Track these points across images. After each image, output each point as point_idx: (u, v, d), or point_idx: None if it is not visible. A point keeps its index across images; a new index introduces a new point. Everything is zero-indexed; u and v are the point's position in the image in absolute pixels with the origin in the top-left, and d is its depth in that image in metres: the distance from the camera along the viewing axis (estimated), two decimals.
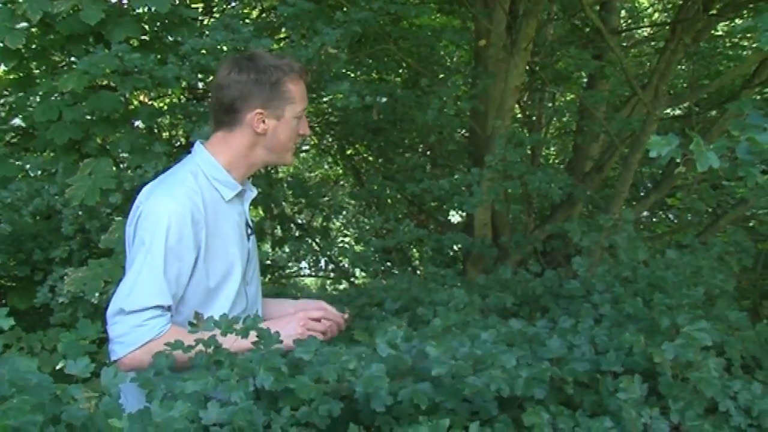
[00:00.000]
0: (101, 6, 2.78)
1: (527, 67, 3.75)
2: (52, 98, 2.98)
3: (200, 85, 4.14)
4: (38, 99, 3.10)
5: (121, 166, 3.09)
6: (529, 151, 4.30)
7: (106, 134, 3.07)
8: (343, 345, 1.33)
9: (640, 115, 3.76)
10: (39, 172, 3.09)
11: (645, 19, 5.53)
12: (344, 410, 1.22)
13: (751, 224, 4.36)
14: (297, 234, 4.93)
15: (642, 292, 1.84)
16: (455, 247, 4.20)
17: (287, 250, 5.01)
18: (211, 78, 3.46)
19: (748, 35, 4.54)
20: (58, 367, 2.61)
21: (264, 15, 4.70)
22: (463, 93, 3.98)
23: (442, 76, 4.41)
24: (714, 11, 3.50)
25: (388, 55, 4.39)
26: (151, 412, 1.03)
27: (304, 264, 6.03)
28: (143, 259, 1.52)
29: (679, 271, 1.95)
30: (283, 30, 4.13)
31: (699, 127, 3.98)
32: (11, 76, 3.35)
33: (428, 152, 5.47)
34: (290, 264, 5.83)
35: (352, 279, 5.17)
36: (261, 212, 4.65)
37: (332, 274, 5.78)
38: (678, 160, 1.31)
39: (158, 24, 3.27)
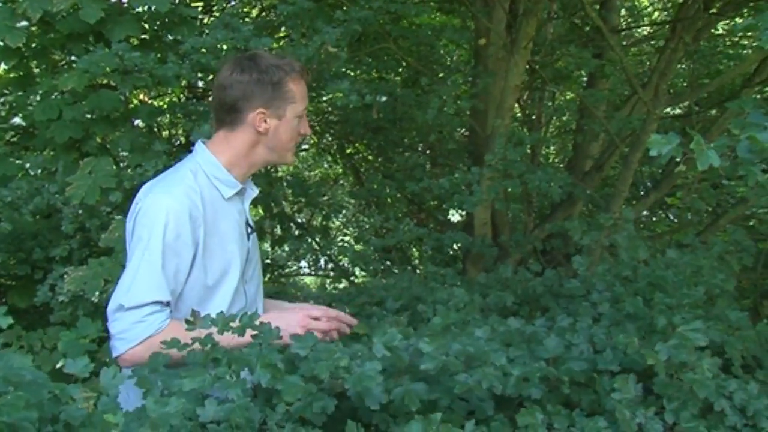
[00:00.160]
0: (101, 5, 2.78)
1: (527, 66, 3.75)
2: (52, 97, 2.98)
3: (200, 83, 4.14)
4: (38, 98, 3.10)
5: (121, 164, 3.09)
6: (529, 150, 4.31)
7: (106, 133, 3.07)
8: (340, 342, 1.33)
9: (641, 114, 3.76)
10: (39, 171, 3.09)
11: (645, 18, 5.53)
12: (343, 408, 1.23)
13: (751, 223, 4.36)
14: (297, 233, 4.93)
15: (642, 291, 1.83)
16: (455, 246, 4.20)
17: (287, 249, 5.01)
18: (211, 77, 3.47)
19: (749, 34, 4.54)
20: (58, 366, 2.61)
21: (264, 14, 4.70)
22: (463, 92, 3.97)
23: (442, 75, 4.41)
24: (714, 10, 3.49)
25: (388, 54, 4.39)
26: (146, 409, 1.03)
27: (303, 263, 6.03)
28: (141, 255, 1.54)
29: (680, 270, 1.95)
30: (283, 29, 4.13)
31: (699, 126, 3.98)
32: (11, 75, 3.35)
33: (428, 151, 5.47)
34: (290, 263, 5.83)
35: (351, 278, 5.17)
36: (261, 211, 4.65)
37: (332, 273, 5.78)
38: (678, 159, 1.31)
39: (158, 23, 3.27)
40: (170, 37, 3.26)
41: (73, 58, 3.11)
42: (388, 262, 4.66)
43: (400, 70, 4.86)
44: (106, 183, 2.63)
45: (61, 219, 2.80)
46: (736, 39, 4.79)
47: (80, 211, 2.79)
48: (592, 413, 1.32)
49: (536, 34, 3.69)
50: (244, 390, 1.16)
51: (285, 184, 4.71)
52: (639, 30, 5.28)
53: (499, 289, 2.44)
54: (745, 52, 4.68)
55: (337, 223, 6.12)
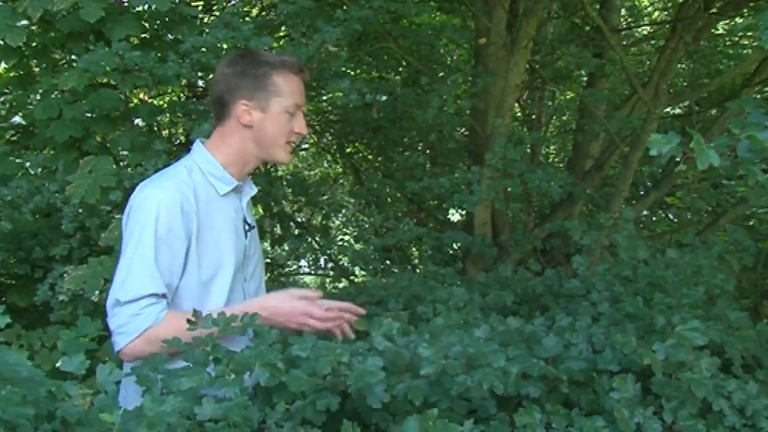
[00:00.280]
0: (101, 4, 2.78)
1: (527, 66, 3.75)
2: (53, 96, 2.98)
3: (200, 83, 4.14)
4: (38, 97, 3.11)
5: (121, 163, 3.09)
6: (529, 150, 4.31)
7: (106, 132, 3.07)
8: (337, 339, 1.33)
9: (641, 114, 3.76)
10: (39, 170, 3.10)
11: (645, 18, 5.52)
12: (342, 407, 1.22)
13: (751, 223, 4.37)
14: (296, 232, 4.93)
15: (642, 291, 1.83)
16: (455, 246, 4.20)
17: (287, 248, 5.01)
18: (211, 76, 3.46)
19: (749, 34, 4.54)
20: (57, 365, 2.61)
21: (264, 13, 4.70)
22: (463, 91, 3.98)
23: (442, 74, 4.41)
24: (714, 10, 3.49)
25: (388, 54, 4.39)
26: (143, 407, 1.03)
27: (303, 262, 6.03)
28: (134, 249, 1.55)
29: (680, 270, 1.95)
30: (283, 28, 4.13)
31: (699, 125, 3.98)
32: (12, 74, 3.35)
33: (428, 150, 5.47)
34: (290, 262, 5.83)
35: (351, 277, 5.17)
36: (260, 210, 4.65)
37: (332, 273, 5.77)
38: (678, 159, 1.31)
39: (158, 22, 3.27)
40: (170, 36, 3.27)
41: (73, 57, 3.11)
42: (387, 262, 4.65)
43: (400, 69, 4.86)
44: (106, 182, 2.63)
45: (61, 218, 2.81)
46: (737, 39, 4.79)
47: (80, 210, 2.79)
48: (591, 413, 1.32)
49: (536, 33, 3.69)
50: (242, 389, 1.16)
51: (285, 183, 4.71)
52: (639, 30, 5.28)
53: (498, 288, 2.44)
54: (745, 51, 4.68)
55: (337, 222, 6.12)
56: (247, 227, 1.76)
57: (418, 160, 4.78)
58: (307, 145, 6.58)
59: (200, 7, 4.33)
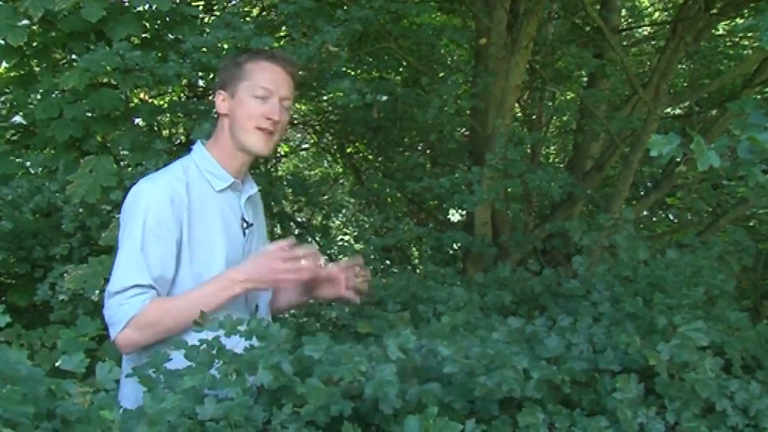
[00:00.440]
0: (102, 3, 2.78)
1: (528, 66, 3.74)
2: (53, 96, 2.98)
3: (201, 82, 4.14)
4: (39, 96, 3.10)
5: (122, 163, 3.09)
6: (529, 150, 4.30)
7: (107, 132, 3.07)
8: (350, 341, 1.33)
9: (641, 114, 3.76)
10: (40, 170, 3.10)
11: (646, 18, 5.52)
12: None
13: (751, 224, 4.37)
14: (297, 232, 4.93)
15: (642, 291, 1.83)
16: (455, 246, 4.20)
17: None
18: (212, 76, 3.46)
19: (749, 34, 4.53)
20: (57, 364, 2.61)
21: (265, 13, 4.69)
22: (463, 91, 3.97)
23: (442, 74, 4.41)
24: (715, 10, 3.49)
25: (389, 54, 4.39)
26: (143, 406, 1.03)
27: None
28: (123, 242, 1.60)
29: (680, 270, 1.95)
30: (284, 28, 4.13)
31: (699, 126, 3.98)
32: (12, 74, 3.35)
33: (428, 151, 5.47)
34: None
35: None
36: None
37: None
38: (678, 160, 1.31)
39: (159, 22, 3.27)
40: (171, 36, 3.26)
41: (74, 56, 3.11)
42: (387, 262, 4.65)
43: (401, 69, 4.86)
44: (107, 182, 2.64)
45: (62, 217, 2.81)
46: (737, 39, 4.79)
47: (81, 210, 2.79)
48: (592, 413, 1.32)
49: (537, 33, 3.69)
50: (244, 388, 1.16)
51: (285, 183, 4.71)
52: (639, 30, 5.27)
53: (497, 288, 2.44)
54: (745, 52, 4.68)
55: (337, 222, 6.11)
56: (245, 225, 1.77)
57: (419, 160, 4.77)
58: (307, 145, 6.58)
59: (201, 7, 4.32)
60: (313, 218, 5.67)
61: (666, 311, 1.53)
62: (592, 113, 3.88)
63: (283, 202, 4.73)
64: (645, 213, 4.61)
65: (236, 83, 1.71)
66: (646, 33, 5.24)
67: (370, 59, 4.52)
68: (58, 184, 2.80)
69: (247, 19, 4.16)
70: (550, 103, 5.24)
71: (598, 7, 3.95)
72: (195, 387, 1.15)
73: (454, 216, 5.32)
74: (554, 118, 5.49)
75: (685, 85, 4.96)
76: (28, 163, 3.10)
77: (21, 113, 3.34)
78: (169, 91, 4.25)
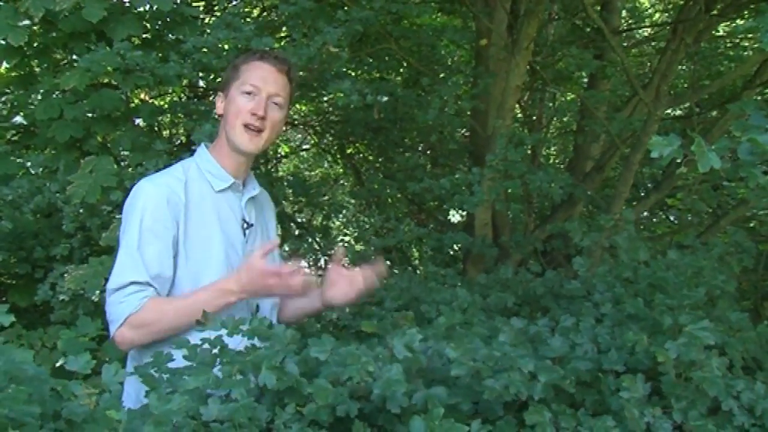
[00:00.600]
0: (103, 4, 2.78)
1: (528, 67, 3.74)
2: (54, 96, 2.98)
3: (201, 83, 4.14)
4: (40, 97, 3.11)
5: (122, 163, 3.09)
6: (529, 151, 4.30)
7: (107, 132, 3.07)
8: (352, 342, 1.33)
9: (641, 115, 3.76)
10: (40, 170, 3.10)
11: (646, 19, 5.52)
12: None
13: (752, 225, 4.37)
14: (297, 233, 4.93)
15: (643, 292, 1.84)
16: (455, 247, 4.20)
17: (287, 248, 5.01)
18: (212, 76, 3.47)
19: (750, 36, 4.54)
20: (57, 365, 2.61)
21: (265, 13, 4.69)
22: (464, 92, 3.97)
23: (443, 75, 4.40)
24: (715, 11, 3.49)
25: (389, 54, 4.39)
26: (149, 406, 1.03)
27: (304, 263, 6.02)
28: (121, 240, 1.63)
29: (680, 271, 1.95)
30: (285, 29, 4.13)
31: (700, 127, 3.98)
32: (13, 74, 3.35)
33: (429, 151, 5.47)
34: (290, 263, 5.81)
35: None
36: None
37: None
38: (679, 161, 1.31)
39: (160, 22, 3.27)
40: (172, 37, 3.26)
41: (74, 57, 3.11)
42: (388, 262, 4.65)
43: (401, 70, 4.86)
44: (107, 182, 2.64)
45: (62, 218, 2.81)
46: (737, 40, 4.79)
47: (81, 210, 2.80)
48: (595, 413, 1.32)
49: (537, 35, 3.69)
50: (248, 389, 1.16)
51: (285, 183, 4.72)
52: (640, 31, 5.28)
53: (499, 289, 2.45)
54: (746, 53, 4.68)
55: (338, 223, 6.11)
56: (245, 225, 1.77)
57: (419, 161, 4.77)
58: (307, 146, 6.59)
59: (202, 8, 4.33)
60: (314, 219, 5.67)
61: (670, 312, 1.53)
62: (592, 114, 3.88)
63: (284, 202, 4.73)
64: (645, 214, 4.61)
65: (231, 84, 1.75)
66: (646, 34, 5.24)
67: (371, 60, 4.52)
68: (58, 185, 2.80)
69: (248, 19, 4.16)
70: (551, 104, 5.24)
71: (599, 8, 3.95)
72: (198, 388, 1.15)
73: (455, 217, 5.32)
74: (555, 119, 5.50)
75: (685, 86, 4.96)
76: (29, 164, 3.10)
77: (21, 113, 3.34)
78: (170, 91, 4.25)
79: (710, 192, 3.92)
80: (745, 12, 3.81)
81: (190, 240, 1.65)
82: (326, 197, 5.40)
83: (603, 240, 2.57)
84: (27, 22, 2.87)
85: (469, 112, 3.96)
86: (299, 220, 5.35)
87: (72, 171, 2.75)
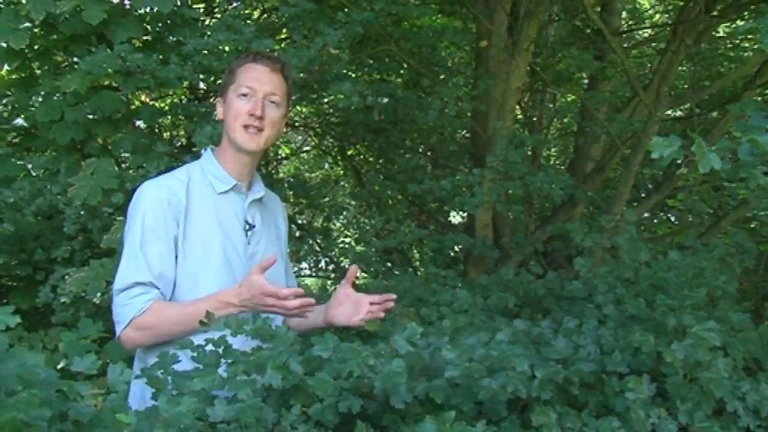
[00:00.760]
0: (103, 6, 2.78)
1: (528, 68, 3.75)
2: (55, 98, 2.99)
3: (202, 85, 4.14)
4: (40, 99, 3.11)
5: (123, 165, 3.09)
6: (530, 152, 4.30)
7: (108, 134, 3.07)
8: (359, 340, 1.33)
9: (642, 116, 3.76)
10: (41, 172, 3.10)
11: (646, 21, 5.53)
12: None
13: (752, 226, 4.36)
14: (298, 234, 4.93)
15: (644, 293, 1.84)
16: (456, 248, 4.20)
17: (287, 250, 5.00)
18: (212, 78, 3.47)
19: (750, 37, 4.54)
20: (59, 367, 2.61)
21: (266, 15, 4.70)
22: (464, 94, 3.97)
23: (443, 76, 4.41)
24: (715, 12, 3.49)
25: (390, 56, 4.39)
26: (158, 408, 1.03)
27: (304, 264, 6.02)
28: (125, 241, 1.67)
29: (681, 272, 1.96)
30: (285, 30, 4.13)
31: (700, 128, 3.98)
32: (14, 76, 3.35)
33: (429, 153, 5.47)
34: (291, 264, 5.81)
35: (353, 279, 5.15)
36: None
37: (333, 275, 5.77)
38: (679, 162, 1.31)
39: (160, 24, 3.28)
40: (172, 39, 3.27)
41: (75, 59, 3.11)
42: (389, 264, 4.65)
43: (402, 71, 4.86)
44: (108, 184, 2.64)
45: (63, 220, 2.81)
46: (737, 41, 4.79)
47: (82, 212, 2.80)
48: (599, 414, 1.32)
49: (537, 36, 3.69)
50: (254, 390, 1.16)
51: (286, 185, 4.72)
52: (640, 32, 5.28)
53: (500, 291, 2.45)
54: (746, 54, 4.68)
55: (338, 224, 6.11)
56: (247, 227, 1.78)
57: (419, 163, 4.77)
58: (308, 148, 6.59)
59: (202, 10, 4.33)
60: (314, 220, 5.67)
61: (670, 312, 1.53)
62: (592, 115, 3.88)
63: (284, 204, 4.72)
64: (646, 215, 4.61)
65: (228, 88, 1.78)
66: (646, 35, 5.24)
67: (371, 61, 4.52)
68: (59, 187, 2.80)
69: (248, 21, 4.16)
70: (551, 105, 5.24)
71: (599, 9, 3.96)
72: (204, 389, 1.15)
73: (455, 218, 5.33)
74: (555, 120, 5.50)
75: (685, 87, 4.96)
76: (30, 166, 3.10)
77: (22, 116, 3.35)
78: (170, 93, 4.25)
79: (711, 193, 3.92)
80: (745, 13, 3.81)
81: (188, 240, 1.68)
82: (327, 199, 5.40)
83: (604, 241, 2.57)
84: (28, 24, 2.88)
85: (469, 114, 3.96)
86: (300, 221, 5.35)
87: (73, 173, 2.75)
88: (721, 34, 4.78)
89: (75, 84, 2.73)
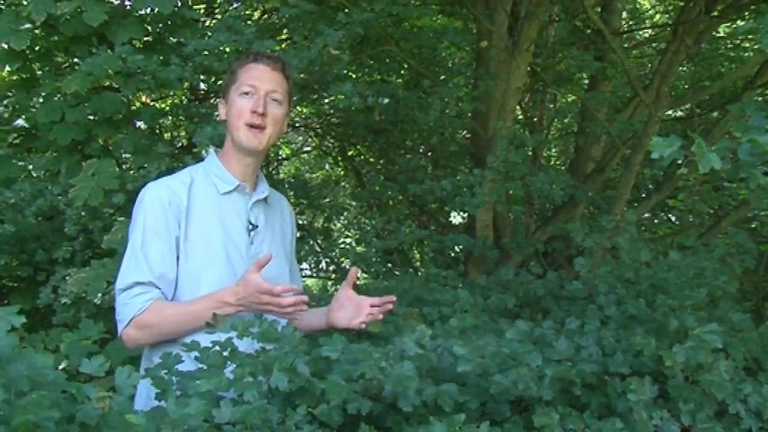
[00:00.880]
0: (104, 7, 2.79)
1: (529, 69, 3.75)
2: (55, 99, 2.99)
3: (202, 85, 4.14)
4: (41, 100, 3.11)
5: (124, 166, 3.09)
6: (530, 153, 4.30)
7: (109, 135, 3.07)
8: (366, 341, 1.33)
9: (642, 117, 3.76)
10: (42, 173, 3.10)
11: (646, 21, 5.53)
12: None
13: (753, 226, 4.36)
14: (298, 235, 4.93)
15: (644, 293, 1.84)
16: (457, 248, 4.20)
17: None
18: (213, 79, 3.47)
19: (750, 37, 4.54)
20: (60, 368, 2.62)
21: (266, 16, 4.70)
22: (464, 94, 3.98)
23: (443, 77, 4.41)
24: (716, 13, 3.50)
25: (390, 57, 4.39)
26: (165, 409, 1.03)
27: (305, 265, 6.02)
28: (128, 241, 1.69)
29: (682, 272, 1.96)
30: (285, 31, 4.14)
31: (701, 128, 3.98)
32: (15, 77, 3.36)
33: (430, 153, 5.47)
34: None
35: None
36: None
37: (333, 275, 5.77)
38: (680, 162, 1.31)
39: (161, 25, 3.28)
40: (173, 40, 3.27)
41: (76, 60, 3.11)
42: (389, 264, 4.65)
43: (402, 72, 4.86)
44: (109, 185, 2.65)
45: (64, 221, 2.81)
46: (738, 41, 4.79)
47: (83, 213, 2.80)
48: (601, 415, 1.32)
49: (538, 36, 3.69)
50: (260, 391, 1.16)
51: (287, 185, 4.72)
52: (640, 32, 5.28)
53: (500, 291, 2.45)
54: (746, 54, 4.68)
55: (339, 225, 6.11)
56: (250, 227, 1.78)
57: (420, 163, 4.77)
58: (308, 148, 6.59)
59: (202, 11, 4.33)
60: (315, 221, 5.67)
61: (670, 313, 1.53)
62: (593, 116, 3.88)
63: None
64: (647, 215, 4.61)
65: (230, 88, 1.79)
66: (647, 35, 5.24)
67: (372, 62, 4.52)
68: (60, 188, 2.81)
69: (249, 22, 4.17)
70: (552, 106, 5.24)
71: (599, 9, 3.96)
72: (211, 390, 1.15)
73: (456, 218, 5.33)
74: (555, 120, 5.50)
75: (686, 87, 4.96)
76: (31, 167, 3.11)
77: (23, 116, 3.35)
78: (171, 94, 4.26)
79: (711, 193, 3.92)
80: (746, 13, 3.81)
81: (190, 240, 1.69)
82: (327, 199, 5.40)
83: (604, 241, 2.57)
84: (29, 25, 2.88)
85: (470, 114, 3.96)
86: (300, 222, 5.36)
87: (74, 174, 2.75)
88: (722, 34, 4.78)
89: (76, 85, 2.74)
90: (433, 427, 1.11)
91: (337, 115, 5.22)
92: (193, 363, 1.40)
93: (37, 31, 3.04)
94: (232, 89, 1.78)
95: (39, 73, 3.23)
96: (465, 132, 5.01)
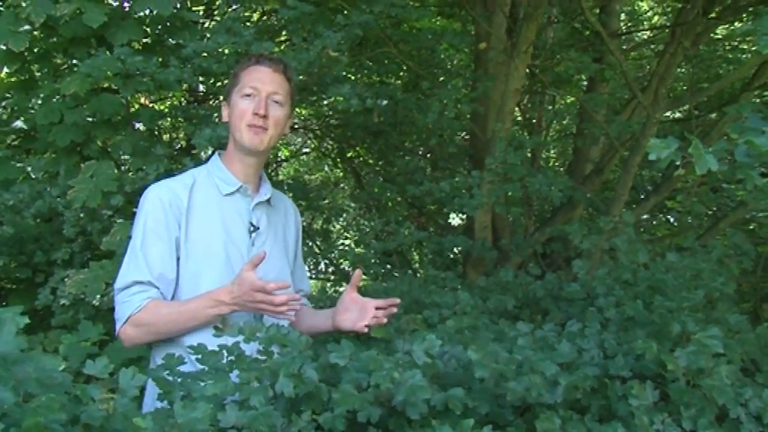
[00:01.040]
0: (103, 9, 2.79)
1: (527, 70, 3.76)
2: (54, 100, 2.99)
3: (201, 87, 4.15)
4: (40, 101, 3.11)
5: (123, 168, 3.09)
6: (529, 154, 4.31)
7: (108, 136, 3.07)
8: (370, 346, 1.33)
9: (640, 118, 3.77)
10: (41, 174, 3.10)
11: (645, 23, 5.54)
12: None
13: (750, 227, 4.37)
14: None
15: (642, 294, 1.84)
16: (455, 250, 4.20)
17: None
18: (212, 81, 3.48)
19: (748, 38, 4.55)
20: (60, 369, 2.61)
21: (265, 18, 4.70)
22: (463, 96, 3.98)
23: (442, 79, 4.42)
24: (713, 15, 3.50)
25: (389, 58, 4.40)
26: (172, 412, 1.03)
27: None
28: (130, 241, 1.71)
29: (680, 273, 1.96)
30: (284, 33, 4.14)
31: (698, 130, 3.99)
32: (14, 79, 3.35)
33: (428, 155, 5.47)
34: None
35: None
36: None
37: (333, 277, 5.77)
38: (678, 163, 1.31)
39: (160, 27, 3.28)
40: (172, 41, 3.27)
41: (75, 61, 3.11)
42: (388, 266, 4.65)
43: (401, 73, 4.87)
44: (108, 186, 2.64)
45: (63, 222, 2.81)
46: (735, 43, 4.80)
47: (81, 215, 2.80)
48: (602, 419, 1.32)
49: (536, 38, 3.70)
50: (266, 396, 1.16)
51: (286, 187, 4.72)
52: (639, 34, 5.29)
53: (499, 292, 2.45)
54: (744, 56, 4.69)
55: (338, 226, 6.12)
56: (252, 229, 1.79)
57: (419, 165, 4.77)
58: (308, 150, 6.59)
59: (201, 12, 4.34)
60: (314, 222, 5.67)
61: (667, 314, 1.53)
62: (591, 117, 3.89)
63: None
64: (645, 216, 4.62)
65: (232, 90, 1.81)
66: (645, 37, 5.25)
67: (371, 64, 4.53)
68: (59, 189, 2.80)
69: (248, 24, 4.17)
70: (550, 107, 5.25)
71: (598, 11, 3.97)
72: (216, 394, 1.15)
73: (455, 220, 5.33)
74: (554, 122, 5.51)
75: (684, 89, 4.97)
76: (29, 168, 3.10)
77: (22, 118, 3.35)
78: (170, 96, 4.26)
79: (709, 194, 3.93)
80: (743, 15, 3.82)
81: (190, 241, 1.70)
82: (326, 201, 5.41)
83: (603, 242, 2.58)
84: (28, 27, 2.88)
85: (468, 116, 3.97)
86: None
87: (72, 175, 2.75)
88: (719, 36, 4.79)
89: (75, 86, 2.74)
90: (441, 430, 1.11)
91: (336, 117, 5.23)
92: (194, 364, 1.41)
93: (36, 33, 3.04)
94: (234, 91, 1.80)
95: (38, 74, 3.23)
96: (464, 134, 5.01)
